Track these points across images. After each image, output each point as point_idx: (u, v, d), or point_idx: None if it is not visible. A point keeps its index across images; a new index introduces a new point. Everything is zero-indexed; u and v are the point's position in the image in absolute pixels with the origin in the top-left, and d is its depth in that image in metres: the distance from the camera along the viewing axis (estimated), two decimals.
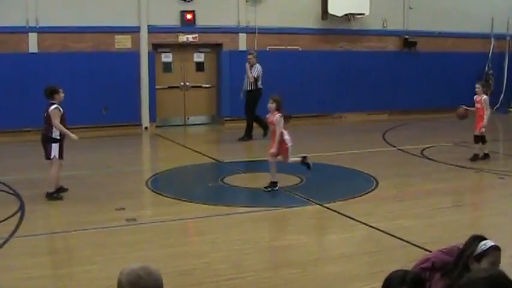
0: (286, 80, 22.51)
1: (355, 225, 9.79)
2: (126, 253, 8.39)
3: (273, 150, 11.88)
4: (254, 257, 8.36)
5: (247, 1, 22.26)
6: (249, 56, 19.05)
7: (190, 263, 8.05)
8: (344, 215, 10.29)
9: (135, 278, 3.28)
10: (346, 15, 23.22)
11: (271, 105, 11.95)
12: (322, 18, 23.45)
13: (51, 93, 11.45)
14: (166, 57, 22.03)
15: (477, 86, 15.31)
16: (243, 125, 19.04)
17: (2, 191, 12.14)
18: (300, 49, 23.36)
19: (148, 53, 21.05)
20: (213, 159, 15.85)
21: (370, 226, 9.58)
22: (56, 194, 11.51)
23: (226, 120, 22.21)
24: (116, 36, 20.71)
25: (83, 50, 20.13)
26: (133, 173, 14.42)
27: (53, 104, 11.35)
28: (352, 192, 11.97)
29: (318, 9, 23.37)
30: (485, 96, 15.08)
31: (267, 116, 12.18)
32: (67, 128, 11.50)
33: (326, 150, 16.69)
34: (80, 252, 8.68)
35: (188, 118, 22.40)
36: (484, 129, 14.92)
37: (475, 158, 15.05)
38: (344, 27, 23.74)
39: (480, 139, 15.13)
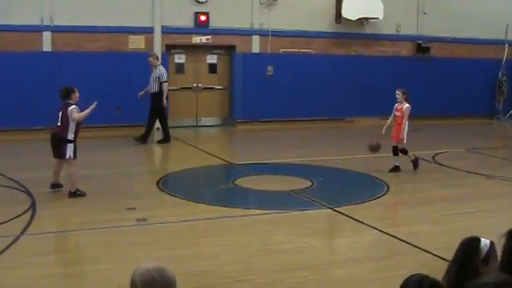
0: (299, 83, 22.56)
1: (365, 229, 9.77)
2: (137, 253, 8.39)
3: None
4: (264, 260, 8.34)
5: (261, 3, 22.27)
6: (149, 58, 18.62)
7: (200, 264, 8.05)
8: (355, 219, 10.26)
9: (150, 280, 3.26)
10: (360, 19, 23.19)
11: None
12: (336, 22, 23.42)
13: (68, 93, 11.49)
14: (179, 59, 22.05)
15: (397, 92, 14.49)
16: (255, 127, 18.98)
17: (14, 188, 12.18)
18: (313, 52, 23.34)
19: (162, 53, 21.07)
20: (225, 160, 15.85)
21: (381, 231, 9.55)
22: (79, 192, 11.54)
23: (238, 122, 22.23)
24: (130, 37, 20.77)
25: (96, 50, 20.19)
26: (145, 173, 14.46)
27: (70, 104, 11.39)
28: (363, 196, 11.95)
29: (332, 12, 23.35)
30: (406, 105, 14.36)
31: None
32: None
33: (338, 154, 16.66)
34: (90, 251, 8.69)
35: (200, 119, 22.42)
36: (404, 141, 14.33)
37: (394, 169, 14.30)
38: (358, 31, 23.71)
39: (401, 150, 14.47)
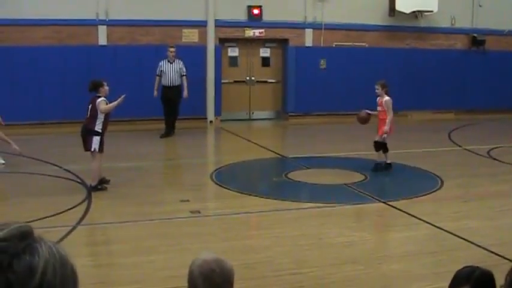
0: (352, 76, 22.45)
1: (419, 224, 9.70)
2: (190, 244, 8.49)
3: None
4: (317, 253, 8.36)
5: None
6: (172, 49, 18.60)
7: (253, 257, 8.10)
8: (408, 213, 10.20)
9: (208, 272, 3.30)
10: (413, 12, 22.96)
11: None
12: (390, 14, 23.23)
13: (95, 87, 11.55)
14: (233, 52, 22.15)
15: (376, 87, 13.64)
16: (308, 120, 18.95)
17: (70, 179, 12.41)
18: (367, 46, 23.21)
19: (215, 47, 21.22)
20: (278, 154, 15.90)
21: (435, 226, 9.47)
22: (100, 186, 11.59)
23: (291, 115, 22.24)
24: (183, 30, 20.93)
25: (150, 43, 20.39)
26: (198, 166, 14.55)
27: (99, 96, 11.47)
28: (416, 191, 11.87)
29: (385, 5, 23.17)
30: (386, 98, 13.47)
31: None
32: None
33: (391, 148, 16.51)
34: (144, 242, 8.79)
35: (253, 113, 22.50)
36: (385, 135, 13.39)
37: (376, 167, 13.54)
38: (411, 25, 23.49)
39: (381, 146, 13.56)
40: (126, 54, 19.98)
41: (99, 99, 11.41)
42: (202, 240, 8.82)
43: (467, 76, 24.26)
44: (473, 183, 13.09)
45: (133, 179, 12.16)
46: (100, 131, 11.45)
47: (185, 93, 18.32)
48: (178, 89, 18.42)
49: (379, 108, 13.62)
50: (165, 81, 18.34)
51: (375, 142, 13.60)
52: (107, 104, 11.44)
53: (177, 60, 18.52)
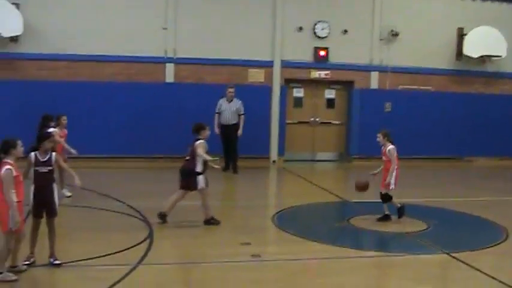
0: (417, 120, 22.32)
1: (483, 279, 9.42)
2: None
3: None
4: None
5: (381, 39, 22.22)
6: (231, 90, 19.21)
7: None
8: (471, 266, 9.97)
9: None
10: (481, 56, 22.76)
11: None
12: (457, 59, 23.10)
13: (198, 129, 12.08)
14: (298, 93, 22.30)
15: (378, 135, 13.01)
16: (372, 163, 18.73)
17: (133, 216, 12.55)
18: (432, 90, 23.04)
19: (281, 87, 21.36)
20: (340, 197, 15.80)
21: (500, 281, 9.18)
22: (213, 220, 12.13)
23: (355, 158, 22.15)
24: (250, 70, 21.17)
25: (216, 82, 20.62)
26: (260, 207, 14.55)
27: (200, 139, 11.91)
28: (480, 242, 11.60)
29: (452, 49, 23.04)
30: (390, 147, 12.85)
31: None
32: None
33: (454, 195, 16.34)
34: (204, 285, 8.82)
35: (316, 154, 22.50)
36: (392, 186, 12.84)
37: (384, 218, 12.97)
38: (479, 69, 23.26)
39: (388, 198, 12.99)
40: (192, 92, 20.27)
41: (198, 142, 11.91)
42: (262, 286, 8.79)
43: None
44: None
45: (194, 219, 12.21)
46: (201, 171, 11.94)
47: (240, 131, 18.94)
48: (234, 127, 19.02)
49: (383, 158, 13.08)
50: (223, 120, 18.97)
51: (381, 194, 13.10)
52: (205, 148, 11.90)
53: (235, 100, 18.93)
